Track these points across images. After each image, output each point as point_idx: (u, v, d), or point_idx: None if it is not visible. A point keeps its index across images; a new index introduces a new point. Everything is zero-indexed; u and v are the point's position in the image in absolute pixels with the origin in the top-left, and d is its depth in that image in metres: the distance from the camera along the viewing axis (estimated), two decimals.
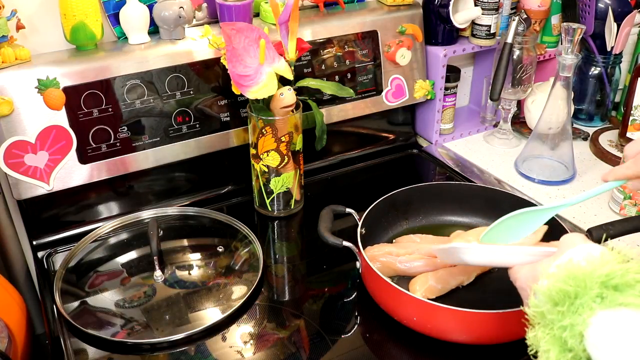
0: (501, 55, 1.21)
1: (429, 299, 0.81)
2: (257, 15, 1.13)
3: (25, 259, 1.10)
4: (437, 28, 1.26)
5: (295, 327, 0.86)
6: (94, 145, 0.99)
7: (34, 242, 1.02)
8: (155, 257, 0.95)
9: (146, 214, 1.08)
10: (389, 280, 0.82)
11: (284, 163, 1.04)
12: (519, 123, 1.42)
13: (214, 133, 1.09)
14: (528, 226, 0.80)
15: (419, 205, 1.04)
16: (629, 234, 0.87)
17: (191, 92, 1.04)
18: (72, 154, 0.98)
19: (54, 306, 0.88)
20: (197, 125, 1.07)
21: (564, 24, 1.09)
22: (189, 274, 0.96)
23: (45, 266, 0.99)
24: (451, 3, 1.20)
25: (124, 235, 1.05)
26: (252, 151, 1.05)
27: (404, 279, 0.90)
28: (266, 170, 1.05)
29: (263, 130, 1.01)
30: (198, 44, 1.03)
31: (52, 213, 1.03)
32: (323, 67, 1.15)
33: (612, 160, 1.26)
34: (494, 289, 0.89)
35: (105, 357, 0.81)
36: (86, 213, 1.05)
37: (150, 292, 0.91)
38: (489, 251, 0.72)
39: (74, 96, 0.95)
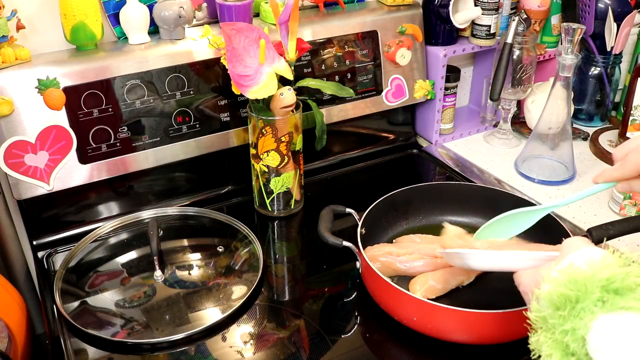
0: (501, 55, 1.21)
1: (429, 299, 0.81)
2: (257, 15, 1.13)
3: (25, 259, 1.10)
4: (437, 28, 1.26)
5: (295, 327, 0.86)
6: (94, 145, 0.99)
7: (34, 242, 1.02)
8: (155, 257, 0.95)
9: (146, 214, 1.08)
10: (389, 280, 0.82)
11: (284, 163, 1.04)
12: (519, 123, 1.42)
13: (214, 133, 1.09)
14: (520, 225, 0.84)
15: (419, 205, 1.04)
16: (629, 234, 0.88)
17: (191, 92, 1.04)
18: (72, 154, 0.98)
19: (54, 306, 0.88)
20: (197, 125, 1.07)
21: (564, 24, 1.09)
22: (189, 274, 0.96)
23: (45, 266, 0.99)
24: (451, 3, 1.20)
25: (124, 235, 1.05)
26: (252, 151, 1.05)
27: (404, 279, 0.90)
28: (266, 170, 1.05)
29: (263, 130, 1.01)
30: (198, 44, 1.03)
31: (52, 213, 1.03)
32: (323, 67, 1.15)
33: (612, 161, 1.25)
34: (494, 289, 0.89)
35: (105, 357, 0.81)
36: (86, 213, 1.05)
37: (150, 292, 0.91)
38: (492, 257, 0.73)
39: (74, 96, 0.95)
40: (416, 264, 0.90)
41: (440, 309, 0.78)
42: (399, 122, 1.35)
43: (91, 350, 0.82)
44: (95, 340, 0.83)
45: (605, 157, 1.28)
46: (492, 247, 0.83)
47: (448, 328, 0.80)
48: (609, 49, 1.33)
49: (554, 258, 0.62)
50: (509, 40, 1.20)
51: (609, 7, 1.28)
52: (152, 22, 1.02)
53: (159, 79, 1.01)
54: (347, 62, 1.18)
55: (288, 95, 0.99)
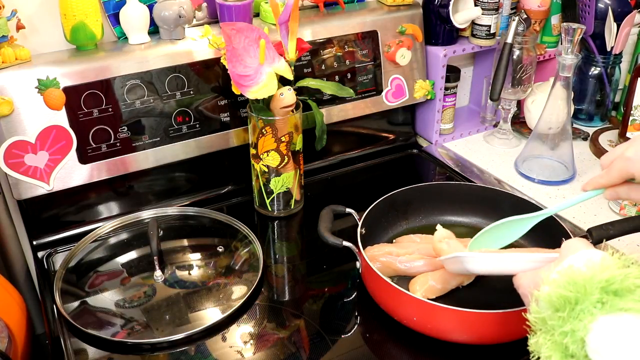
0: (501, 55, 1.21)
1: (429, 299, 0.81)
2: (257, 15, 1.13)
3: (25, 259, 1.10)
4: (437, 28, 1.26)
5: (295, 327, 0.86)
6: (94, 145, 0.99)
7: (34, 242, 1.02)
8: (155, 257, 0.95)
9: (146, 214, 1.08)
10: (389, 280, 0.82)
11: (284, 163, 1.04)
12: (519, 123, 1.42)
13: (214, 133, 1.09)
14: (511, 234, 0.85)
15: (419, 205, 1.04)
16: (629, 234, 0.87)
17: (191, 92, 1.04)
18: (72, 154, 0.98)
19: (54, 306, 0.88)
20: (197, 125, 1.07)
21: (564, 24, 1.09)
22: (189, 274, 0.96)
23: (45, 266, 0.99)
24: (451, 3, 1.20)
25: (124, 235, 1.05)
26: (252, 151, 1.05)
27: (404, 279, 0.90)
28: (266, 170, 1.05)
29: (263, 130, 1.01)
30: (198, 44, 1.03)
31: (52, 213, 1.03)
32: (323, 67, 1.15)
33: None
34: (494, 289, 0.89)
35: (105, 357, 0.82)
36: (86, 213, 1.06)
37: (150, 292, 0.91)
38: (491, 260, 0.73)
39: (74, 96, 0.95)
40: (416, 264, 0.90)
41: (440, 309, 0.78)
42: (399, 122, 1.35)
43: (91, 350, 0.82)
44: (95, 340, 0.83)
45: None
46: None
47: (448, 328, 0.80)
48: (609, 49, 1.33)
49: (553, 260, 0.62)
50: (509, 40, 1.20)
51: (609, 7, 1.28)
52: (152, 22, 1.02)
53: (159, 79, 1.01)
54: (347, 62, 1.18)
55: (288, 95, 0.99)
